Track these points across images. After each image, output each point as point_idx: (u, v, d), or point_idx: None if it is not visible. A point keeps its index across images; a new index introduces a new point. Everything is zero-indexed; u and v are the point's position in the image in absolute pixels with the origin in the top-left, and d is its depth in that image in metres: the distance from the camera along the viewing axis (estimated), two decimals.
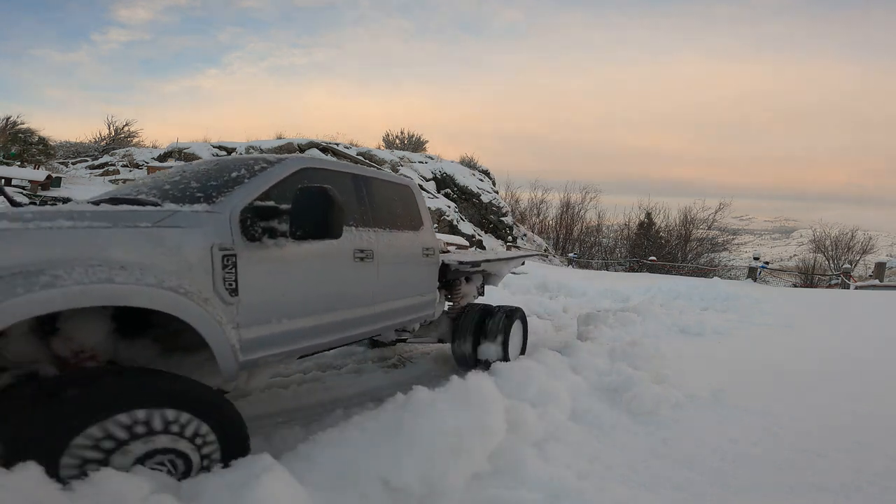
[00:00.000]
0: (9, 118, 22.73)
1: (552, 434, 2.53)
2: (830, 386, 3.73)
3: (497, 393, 2.28)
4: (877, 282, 15.09)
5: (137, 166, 24.74)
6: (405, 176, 4.24)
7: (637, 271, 22.46)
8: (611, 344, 4.78)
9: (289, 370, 4.02)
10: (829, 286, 19.01)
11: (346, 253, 2.79)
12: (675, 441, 2.68)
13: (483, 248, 22.35)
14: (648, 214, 29.22)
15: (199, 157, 24.29)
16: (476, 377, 2.37)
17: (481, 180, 26.91)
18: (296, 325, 2.41)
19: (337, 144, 24.91)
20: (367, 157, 24.64)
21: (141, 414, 1.61)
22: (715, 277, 16.64)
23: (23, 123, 22.89)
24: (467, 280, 4.54)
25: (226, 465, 1.76)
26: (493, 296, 6.25)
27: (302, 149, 23.27)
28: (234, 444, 1.83)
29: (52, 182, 19.61)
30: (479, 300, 4.86)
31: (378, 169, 4.00)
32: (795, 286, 20.32)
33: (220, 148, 25.61)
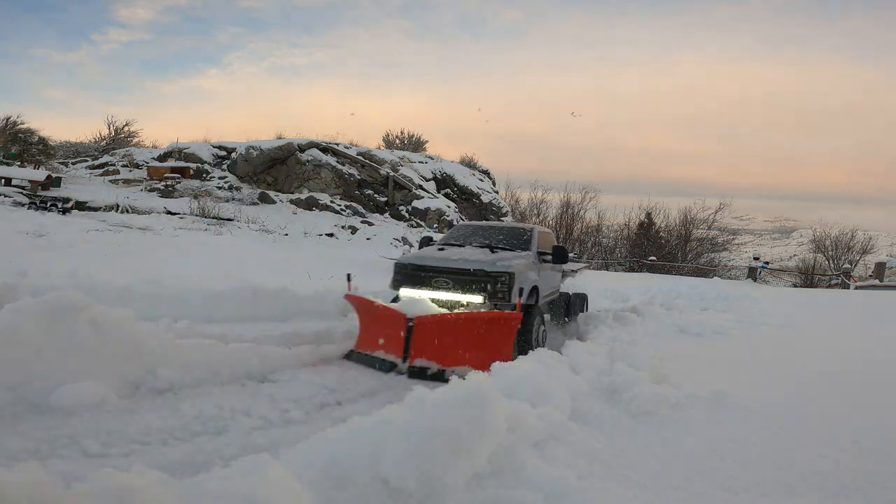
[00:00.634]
0: (9, 118, 22.73)
1: (552, 434, 2.52)
2: (830, 386, 3.73)
3: (497, 393, 2.27)
4: (877, 282, 15.09)
5: (137, 166, 24.75)
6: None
7: (637, 271, 22.47)
8: (611, 344, 4.78)
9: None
10: (829, 286, 19.01)
11: (559, 267, 6.76)
12: (674, 441, 2.68)
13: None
14: (648, 214, 29.21)
15: (200, 157, 24.29)
16: (476, 377, 2.37)
17: (481, 180, 26.92)
18: (547, 291, 6.17)
19: (337, 144, 24.91)
20: (367, 157, 24.65)
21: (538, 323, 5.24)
22: (715, 277, 16.64)
23: (23, 123, 22.89)
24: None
25: (226, 465, 1.77)
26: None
27: (302, 148, 23.27)
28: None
29: (52, 182, 19.61)
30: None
31: (498, 219, 10.76)
32: (795, 286, 20.31)
33: (220, 148, 25.62)
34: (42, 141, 22.95)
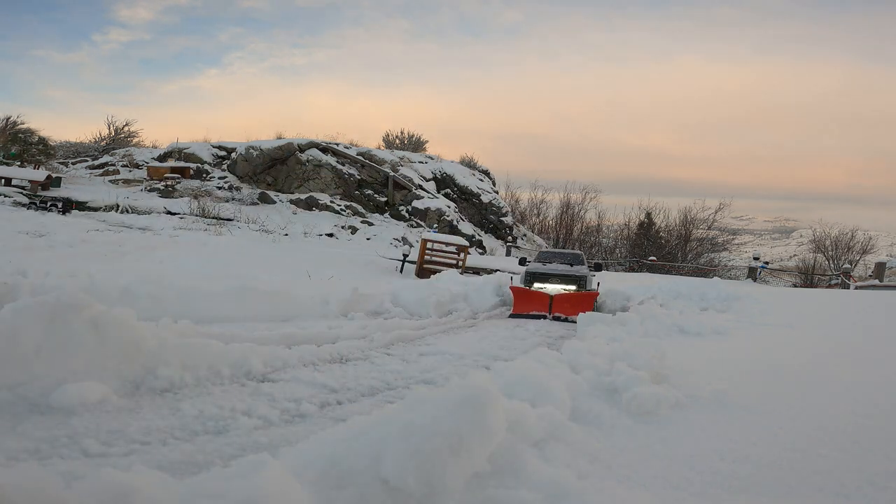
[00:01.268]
0: (9, 118, 22.76)
1: (552, 434, 2.52)
2: (830, 386, 3.73)
3: (497, 392, 2.27)
4: (877, 282, 15.10)
5: (137, 166, 24.75)
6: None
7: (637, 271, 22.47)
8: (611, 344, 4.78)
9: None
10: (829, 286, 19.02)
11: (594, 273, 11.29)
12: (674, 441, 2.68)
13: (483, 248, 22.34)
14: (648, 214, 29.22)
15: (200, 157, 24.29)
16: (476, 376, 2.38)
17: (481, 180, 26.91)
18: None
19: (337, 144, 24.90)
20: (367, 157, 24.64)
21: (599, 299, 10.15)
22: (715, 277, 16.65)
23: (23, 123, 22.92)
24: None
25: (226, 465, 1.77)
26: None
27: (302, 148, 23.26)
28: None
29: (52, 182, 19.63)
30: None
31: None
32: (795, 286, 20.32)
33: (220, 148, 25.62)
34: (42, 141, 22.96)
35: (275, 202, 21.55)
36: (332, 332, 5.47)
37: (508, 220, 25.85)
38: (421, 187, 24.15)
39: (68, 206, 16.50)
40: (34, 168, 21.30)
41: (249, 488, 1.57)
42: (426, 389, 2.29)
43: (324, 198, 22.16)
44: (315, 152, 23.26)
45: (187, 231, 15.49)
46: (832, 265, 25.36)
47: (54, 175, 20.55)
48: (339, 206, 22.07)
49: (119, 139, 31.15)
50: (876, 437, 2.78)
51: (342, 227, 20.39)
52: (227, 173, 23.65)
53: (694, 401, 3.26)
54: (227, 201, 20.41)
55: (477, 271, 14.55)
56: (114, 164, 25.11)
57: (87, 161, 26.37)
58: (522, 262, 11.54)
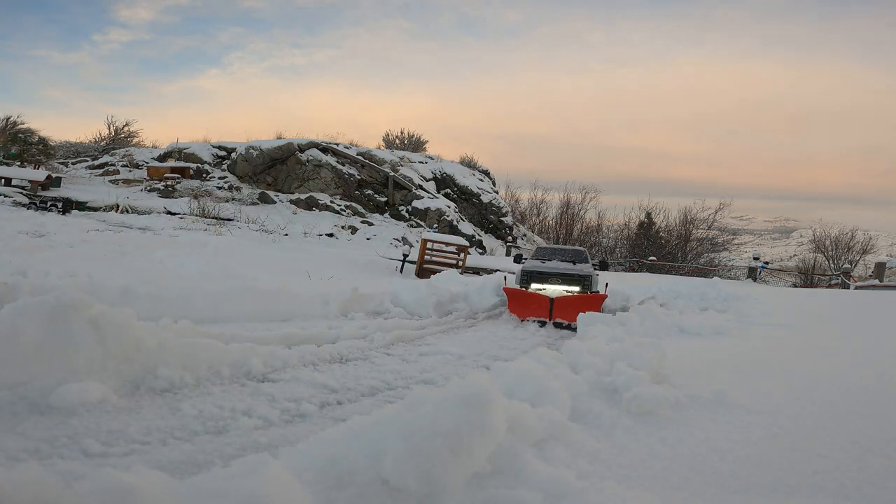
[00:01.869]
0: (9, 118, 22.75)
1: (552, 434, 2.52)
2: (830, 386, 3.73)
3: (497, 392, 2.27)
4: (877, 282, 15.10)
5: (137, 166, 24.75)
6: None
7: (637, 271, 22.47)
8: (610, 344, 4.78)
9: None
10: (829, 286, 19.02)
11: (597, 271, 9.95)
12: (674, 441, 2.68)
13: (483, 248, 22.34)
14: (648, 214, 29.22)
15: (200, 157, 24.28)
16: (476, 376, 2.38)
17: (481, 180, 26.91)
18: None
19: (337, 144, 24.90)
20: (367, 157, 24.63)
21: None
22: (715, 277, 16.65)
23: (23, 123, 22.92)
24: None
25: (226, 465, 1.77)
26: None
27: (302, 148, 23.26)
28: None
29: (52, 182, 19.63)
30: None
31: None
32: (795, 286, 20.32)
33: (220, 148, 25.62)
34: (42, 141, 22.96)
35: (275, 202, 21.55)
36: (332, 332, 5.47)
37: (508, 220, 25.84)
38: (421, 187, 24.15)
39: (68, 206, 16.50)
40: (34, 168, 21.29)
41: (250, 488, 1.57)
42: (426, 389, 2.29)
43: (324, 198, 22.16)
44: (315, 152, 23.25)
45: (187, 231, 15.49)
46: (832, 265, 25.37)
47: (54, 175, 20.55)
48: (339, 206, 22.07)
49: (119, 139, 31.15)
50: (876, 437, 2.78)
51: (342, 227, 20.39)
52: (227, 173, 23.65)
53: (694, 401, 3.26)
54: (227, 201, 20.41)
55: (477, 271, 14.55)
56: (114, 164, 25.11)
57: (87, 161, 26.36)
58: (518, 259, 10.39)
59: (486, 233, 24.48)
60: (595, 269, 9.76)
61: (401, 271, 14.59)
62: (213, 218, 17.83)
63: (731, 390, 3.44)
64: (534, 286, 8.69)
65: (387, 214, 22.98)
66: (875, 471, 2.39)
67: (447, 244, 15.34)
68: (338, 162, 23.55)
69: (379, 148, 28.18)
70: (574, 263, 9.39)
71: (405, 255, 15.02)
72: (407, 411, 2.12)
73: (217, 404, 3.16)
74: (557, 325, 7.82)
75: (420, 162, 26.47)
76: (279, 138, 24.54)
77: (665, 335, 5.56)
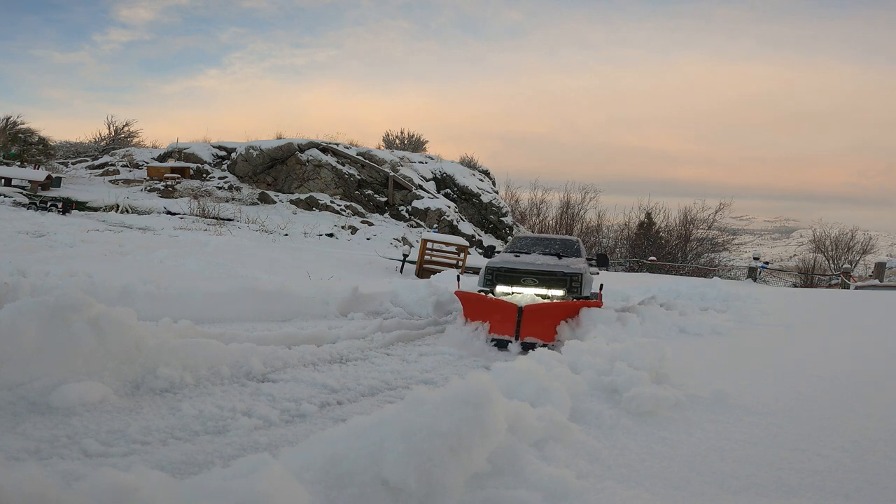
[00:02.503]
0: (9, 118, 22.74)
1: (552, 434, 2.52)
2: (830, 386, 3.73)
3: (497, 392, 2.27)
4: (877, 282, 15.10)
5: (137, 166, 24.75)
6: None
7: (637, 271, 22.47)
8: (611, 344, 4.78)
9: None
10: (829, 286, 19.02)
11: (594, 269, 7.62)
12: (674, 441, 2.68)
13: (483, 248, 22.32)
14: (648, 214, 29.24)
15: (200, 157, 24.27)
16: (476, 376, 2.38)
17: (481, 180, 26.90)
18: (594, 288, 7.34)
19: (337, 144, 24.89)
20: (367, 157, 24.63)
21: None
22: (715, 277, 16.65)
23: (23, 123, 22.91)
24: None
25: (226, 465, 1.77)
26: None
27: (302, 148, 23.26)
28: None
29: (52, 182, 19.62)
30: None
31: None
32: (795, 286, 20.31)
33: (220, 148, 25.61)
34: (42, 141, 22.96)
35: (275, 202, 21.55)
36: (332, 332, 5.47)
37: (508, 220, 25.83)
38: (421, 187, 24.14)
39: (68, 206, 16.49)
40: (34, 168, 21.28)
41: (249, 488, 1.57)
42: (426, 389, 2.29)
43: (324, 198, 22.15)
44: (315, 152, 23.25)
45: (187, 231, 15.49)
46: (832, 265, 25.38)
47: (54, 175, 20.54)
48: (339, 206, 22.07)
49: (119, 139, 31.13)
50: (876, 437, 2.78)
51: (342, 227, 20.38)
52: (227, 173, 23.65)
53: (694, 401, 3.26)
54: (227, 201, 20.41)
55: (477, 271, 14.55)
56: (114, 164, 25.11)
57: (87, 161, 26.36)
58: (490, 252, 7.93)
59: (486, 233, 24.48)
60: (591, 264, 7.49)
61: (401, 271, 14.59)
62: (213, 218, 17.83)
63: (731, 390, 3.44)
64: (500, 289, 6.38)
65: (387, 214, 22.97)
66: (875, 471, 2.39)
67: (447, 244, 15.34)
68: (338, 162, 23.54)
69: (379, 148, 28.17)
70: (559, 257, 7.05)
71: (405, 255, 15.02)
72: (407, 411, 2.12)
73: (217, 404, 3.16)
74: (526, 347, 5.49)
75: (420, 162, 26.46)
76: (279, 138, 24.53)
77: (665, 335, 5.56)
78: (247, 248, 13.41)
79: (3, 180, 18.71)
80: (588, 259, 7.57)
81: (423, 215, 22.63)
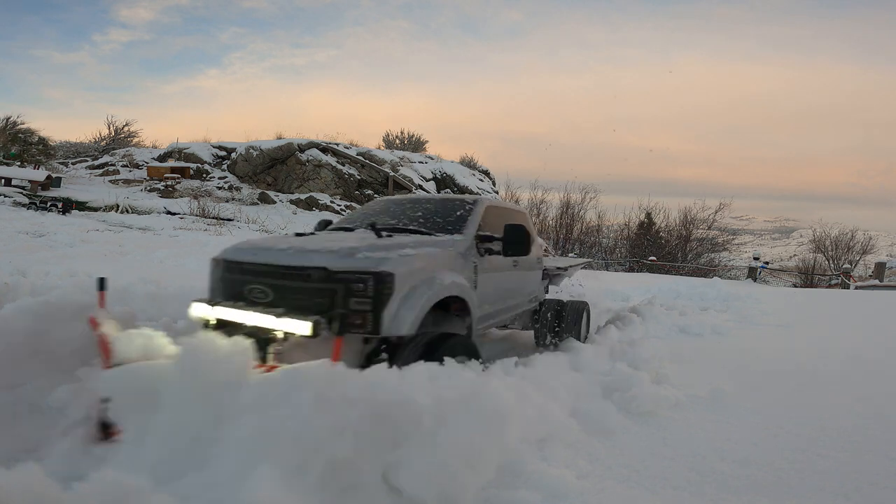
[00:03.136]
0: (9, 118, 22.73)
1: (552, 434, 2.52)
2: (830, 386, 3.73)
3: (514, 402, 2.26)
4: (877, 282, 15.10)
5: (137, 166, 24.74)
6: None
7: (637, 271, 22.47)
8: (611, 344, 4.78)
9: None
10: (829, 286, 19.02)
11: (532, 263, 4.73)
12: (674, 441, 2.68)
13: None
14: (648, 214, 29.22)
15: (200, 157, 24.27)
16: (495, 383, 2.36)
17: (481, 180, 26.90)
18: (497, 303, 3.92)
19: (337, 144, 24.89)
20: (367, 157, 24.63)
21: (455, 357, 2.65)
22: (715, 277, 16.64)
23: (23, 123, 22.90)
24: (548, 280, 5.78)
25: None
26: None
27: (301, 148, 23.26)
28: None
29: (52, 182, 19.61)
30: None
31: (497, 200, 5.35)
32: (795, 286, 20.31)
33: (220, 148, 25.60)
34: (42, 141, 22.95)
35: (275, 202, 21.55)
36: None
37: None
38: (421, 187, 24.14)
39: (68, 206, 16.48)
40: (34, 168, 21.27)
41: (248, 489, 1.57)
42: (441, 397, 2.28)
43: (324, 198, 22.15)
44: (315, 152, 23.25)
45: (187, 231, 15.49)
46: (832, 265, 25.38)
47: (54, 175, 20.53)
48: (339, 206, 22.06)
49: (119, 139, 31.12)
50: (876, 437, 2.78)
51: None
52: (227, 173, 23.65)
53: (694, 401, 3.26)
54: (227, 201, 20.41)
55: None
56: (114, 164, 25.10)
57: (87, 161, 26.35)
58: (322, 228, 4.46)
59: None
60: (488, 251, 3.74)
61: None
62: (213, 218, 17.83)
63: (731, 390, 3.44)
64: (220, 312, 2.78)
65: None
66: (875, 471, 2.39)
67: None
68: (338, 162, 23.55)
69: (379, 148, 28.16)
70: (390, 235, 3.39)
71: None
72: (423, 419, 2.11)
73: None
74: None
75: (420, 162, 26.45)
76: (279, 138, 24.53)
77: (665, 335, 5.56)
78: None
79: (3, 180, 18.71)
80: (489, 239, 3.70)
81: None
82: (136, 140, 31.60)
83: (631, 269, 23.91)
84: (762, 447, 2.63)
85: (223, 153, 25.04)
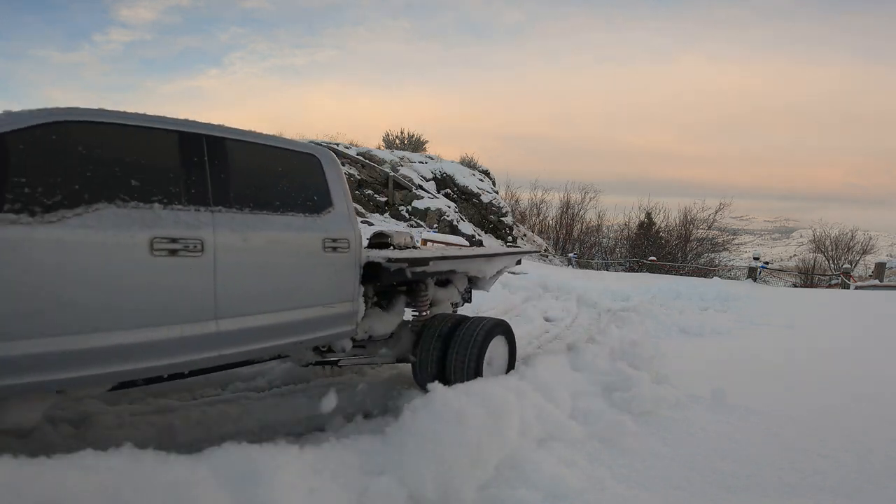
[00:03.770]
0: None
1: (552, 434, 2.52)
2: (831, 386, 3.73)
3: (515, 403, 2.26)
4: (877, 282, 15.08)
5: None
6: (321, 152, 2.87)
7: (637, 271, 22.47)
8: (611, 344, 4.78)
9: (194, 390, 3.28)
10: (829, 286, 19.00)
11: (138, 242, 1.93)
12: (674, 441, 2.68)
13: (482, 247, 22.34)
14: (648, 214, 29.21)
15: None
16: (498, 385, 2.36)
17: (481, 180, 26.90)
18: (43, 347, 1.69)
19: (337, 144, 24.89)
20: (367, 157, 24.65)
21: None
22: (715, 277, 16.64)
23: None
24: (442, 283, 3.68)
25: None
26: (495, 297, 6.11)
27: None
28: None
29: None
30: (465, 309, 4.03)
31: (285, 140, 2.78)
32: (795, 286, 20.30)
33: None
34: None
35: None
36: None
37: (508, 220, 25.82)
38: (421, 187, 24.15)
39: None
40: None
41: (257, 486, 1.57)
42: (449, 398, 2.28)
43: None
44: None
45: None
46: (832, 265, 25.37)
47: None
48: None
49: None
50: (876, 437, 2.78)
51: None
52: None
53: (694, 401, 3.26)
54: None
55: None
56: None
57: None
58: None
59: (486, 233, 24.46)
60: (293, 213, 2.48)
61: None
62: None
63: (731, 390, 3.44)
64: None
65: (387, 214, 22.97)
66: (875, 471, 2.39)
67: (447, 244, 15.34)
68: None
69: (379, 148, 28.12)
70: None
71: None
72: (429, 420, 2.11)
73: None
74: None
75: (420, 162, 26.42)
76: None
77: (665, 335, 5.57)
78: None
79: None
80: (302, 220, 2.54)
81: (423, 215, 22.63)
82: None
83: (631, 269, 23.91)
84: (762, 447, 2.63)
85: None
